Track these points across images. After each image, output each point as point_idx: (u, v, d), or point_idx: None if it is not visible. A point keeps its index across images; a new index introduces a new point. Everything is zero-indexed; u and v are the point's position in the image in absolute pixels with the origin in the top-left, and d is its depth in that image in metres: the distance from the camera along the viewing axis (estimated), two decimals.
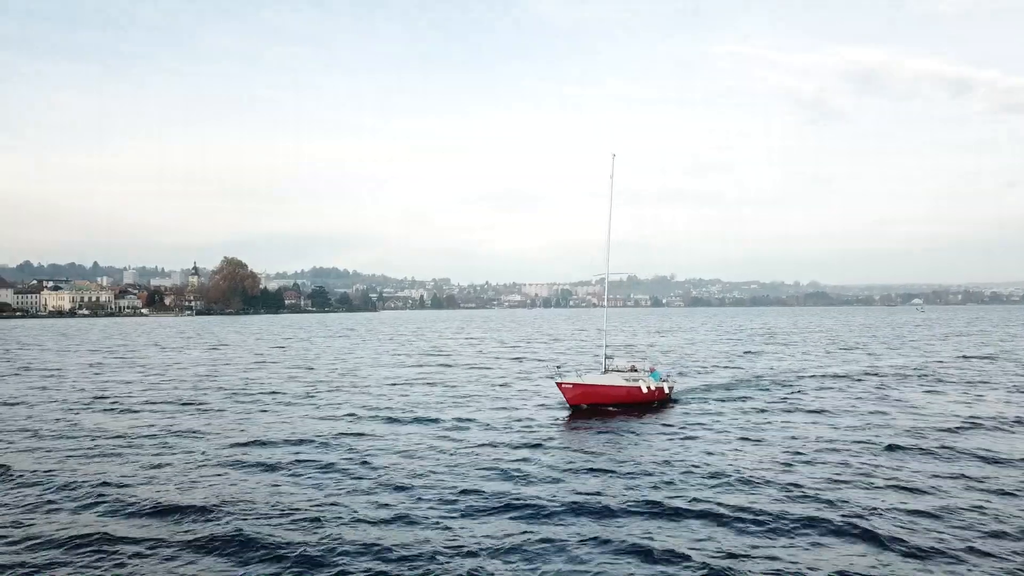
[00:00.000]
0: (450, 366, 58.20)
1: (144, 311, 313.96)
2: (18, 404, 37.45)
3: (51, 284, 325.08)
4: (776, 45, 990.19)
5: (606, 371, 34.84)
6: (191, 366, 59.79)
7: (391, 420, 30.75)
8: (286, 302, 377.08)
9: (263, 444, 25.87)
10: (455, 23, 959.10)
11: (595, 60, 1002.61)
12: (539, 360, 62.86)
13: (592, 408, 32.31)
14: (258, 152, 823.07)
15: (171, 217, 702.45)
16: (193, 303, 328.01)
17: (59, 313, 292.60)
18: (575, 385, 32.48)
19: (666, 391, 34.56)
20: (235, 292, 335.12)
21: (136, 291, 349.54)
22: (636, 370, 35.00)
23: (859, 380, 44.59)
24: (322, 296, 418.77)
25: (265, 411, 33.75)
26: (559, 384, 32.75)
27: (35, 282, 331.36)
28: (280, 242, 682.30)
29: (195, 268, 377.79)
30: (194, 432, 28.48)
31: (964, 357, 61.84)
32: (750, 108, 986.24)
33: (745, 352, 71.22)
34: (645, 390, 33.32)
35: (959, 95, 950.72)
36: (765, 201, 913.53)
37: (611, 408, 32.46)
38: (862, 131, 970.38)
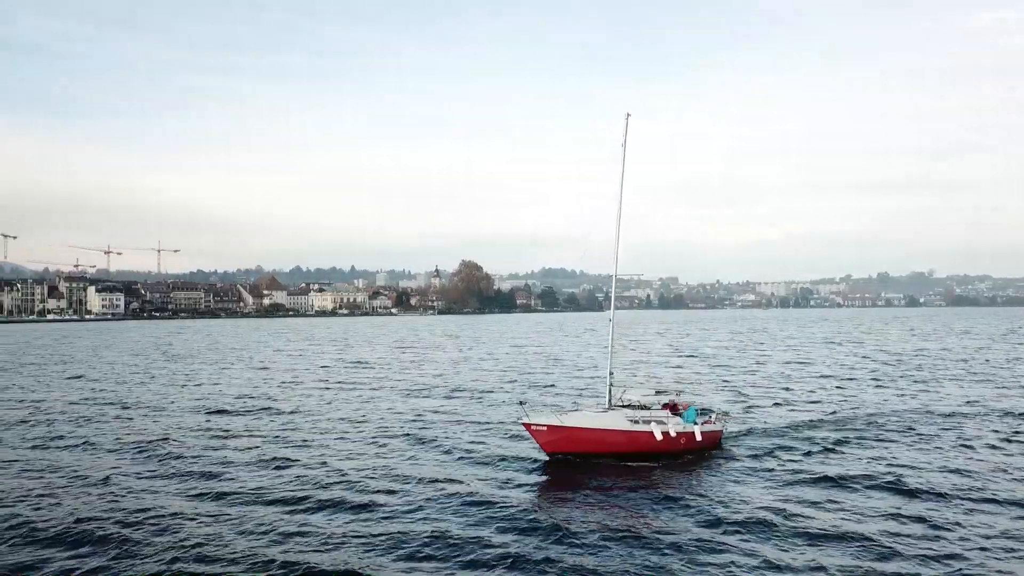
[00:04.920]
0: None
1: (393, 311, 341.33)
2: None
3: (316, 287, 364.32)
4: None
5: (610, 407, 26.18)
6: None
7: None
8: (518, 302, 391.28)
9: None
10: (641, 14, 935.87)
11: (811, 40, 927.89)
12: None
13: (580, 459, 24.30)
14: (477, 160, 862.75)
15: (415, 222, 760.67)
16: (435, 303, 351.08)
17: (323, 312, 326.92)
18: (550, 428, 24.21)
19: (698, 437, 25.19)
20: (472, 293, 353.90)
21: (386, 292, 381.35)
22: (676, 407, 26.17)
23: None
24: (551, 296, 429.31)
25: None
26: (527, 426, 24.56)
27: (304, 285, 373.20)
28: (511, 243, 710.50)
29: (436, 270, 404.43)
30: None
31: None
32: (1014, 79, 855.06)
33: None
34: (660, 436, 24.30)
35: None
36: None
37: (609, 459, 24.25)
38: None
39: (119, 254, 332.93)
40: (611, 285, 29.93)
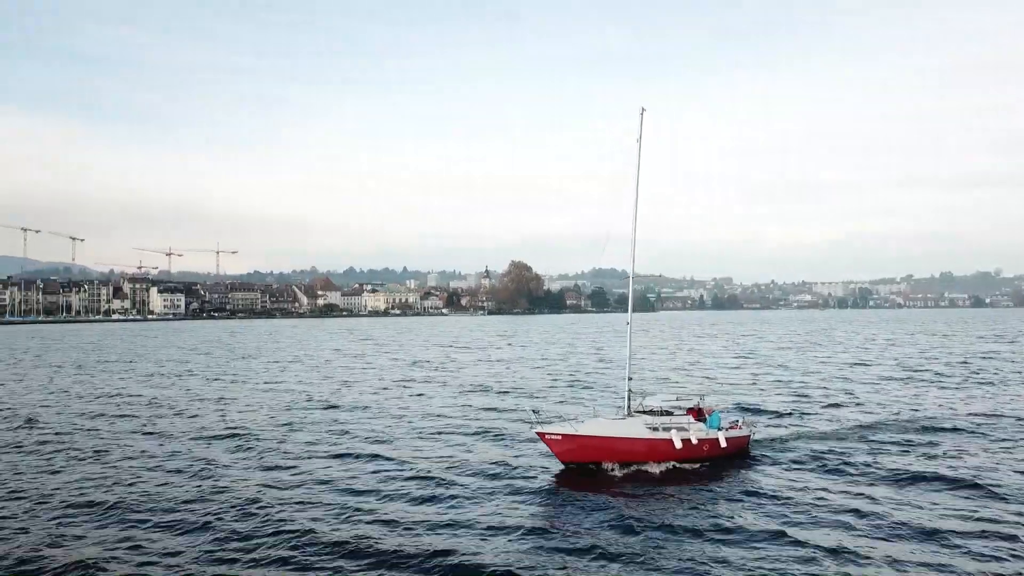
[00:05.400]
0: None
1: (444, 311, 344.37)
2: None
3: (369, 288, 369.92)
4: None
5: (629, 414, 25.01)
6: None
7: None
8: (567, 302, 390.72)
9: None
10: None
11: (870, 30, 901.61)
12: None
13: (597, 467, 23.32)
14: (528, 161, 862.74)
15: (466, 223, 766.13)
16: (485, 303, 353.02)
17: (375, 313, 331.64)
18: (565, 437, 23.25)
19: (722, 444, 24.25)
20: (521, 293, 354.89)
21: (437, 293, 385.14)
22: (701, 411, 25.24)
23: None
24: (601, 296, 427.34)
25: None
26: (541, 435, 23.62)
27: (357, 286, 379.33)
28: (561, 243, 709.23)
29: (487, 271, 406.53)
30: None
31: None
32: None
33: None
34: (679, 443, 23.41)
35: None
36: None
37: (630, 468, 23.19)
38: None
39: (180, 256, 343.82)
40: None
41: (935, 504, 19.54)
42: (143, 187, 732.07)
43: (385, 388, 46.10)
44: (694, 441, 23.71)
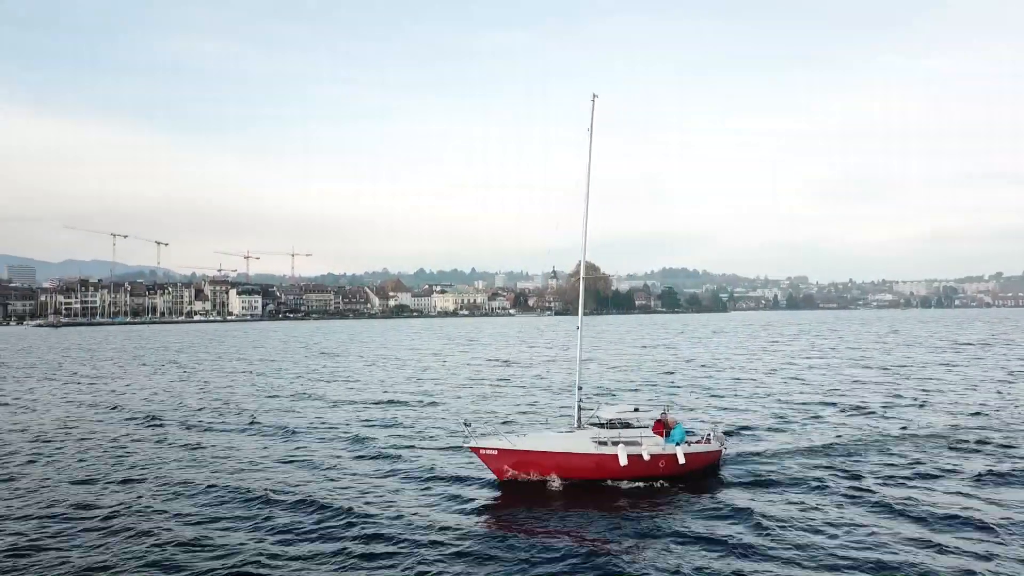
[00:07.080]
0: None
1: (512, 311, 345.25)
2: None
3: (439, 288, 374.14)
4: None
5: (578, 426, 22.66)
6: None
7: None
8: (636, 303, 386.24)
9: None
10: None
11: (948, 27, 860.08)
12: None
13: (536, 485, 20.94)
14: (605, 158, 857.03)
15: (533, 224, 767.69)
16: (552, 304, 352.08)
17: (444, 313, 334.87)
18: (501, 452, 21.20)
19: (680, 460, 21.37)
20: (589, 294, 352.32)
21: (504, 294, 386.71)
22: (666, 423, 22.42)
23: None
24: (671, 297, 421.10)
25: None
26: (475, 450, 21.51)
27: (427, 287, 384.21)
28: (630, 243, 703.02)
29: (553, 271, 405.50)
30: None
31: None
32: None
33: None
34: (625, 460, 20.72)
35: None
36: None
37: (576, 485, 20.85)
38: None
39: (257, 259, 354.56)
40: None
41: (923, 544, 16.26)
42: (225, 192, 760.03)
43: (480, 388, 45.79)
44: (646, 457, 21.08)
